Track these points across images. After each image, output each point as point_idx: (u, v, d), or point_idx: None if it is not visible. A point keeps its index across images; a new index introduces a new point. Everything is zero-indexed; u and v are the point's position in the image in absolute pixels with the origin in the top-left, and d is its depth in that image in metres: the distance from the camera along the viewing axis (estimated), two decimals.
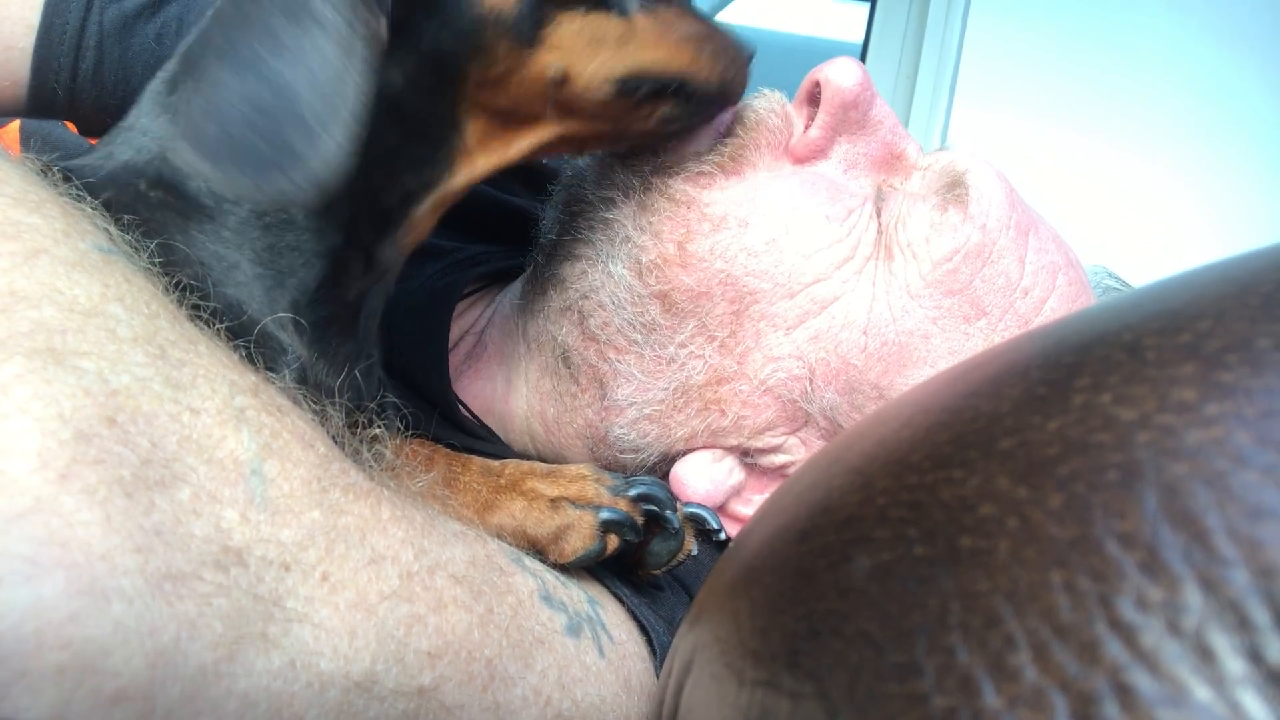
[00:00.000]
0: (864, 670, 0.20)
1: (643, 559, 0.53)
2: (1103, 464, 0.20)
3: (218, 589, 0.31)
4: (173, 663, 0.29)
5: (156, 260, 0.38)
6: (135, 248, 0.37)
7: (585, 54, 0.54)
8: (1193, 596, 0.17)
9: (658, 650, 0.51)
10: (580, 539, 0.49)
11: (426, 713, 0.37)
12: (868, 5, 2.40)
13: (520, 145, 0.57)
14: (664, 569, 0.54)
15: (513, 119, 0.56)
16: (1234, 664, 0.16)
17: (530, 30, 0.52)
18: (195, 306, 0.38)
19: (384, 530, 0.38)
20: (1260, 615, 0.16)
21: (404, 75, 0.50)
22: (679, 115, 0.60)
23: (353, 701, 0.34)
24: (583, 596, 0.49)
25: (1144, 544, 0.18)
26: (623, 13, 0.56)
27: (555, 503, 0.50)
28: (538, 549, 0.49)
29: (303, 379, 0.45)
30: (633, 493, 0.51)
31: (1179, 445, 0.19)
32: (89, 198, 0.37)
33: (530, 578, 0.46)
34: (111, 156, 0.48)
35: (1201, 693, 0.16)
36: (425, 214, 0.55)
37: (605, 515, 0.50)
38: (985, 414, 0.24)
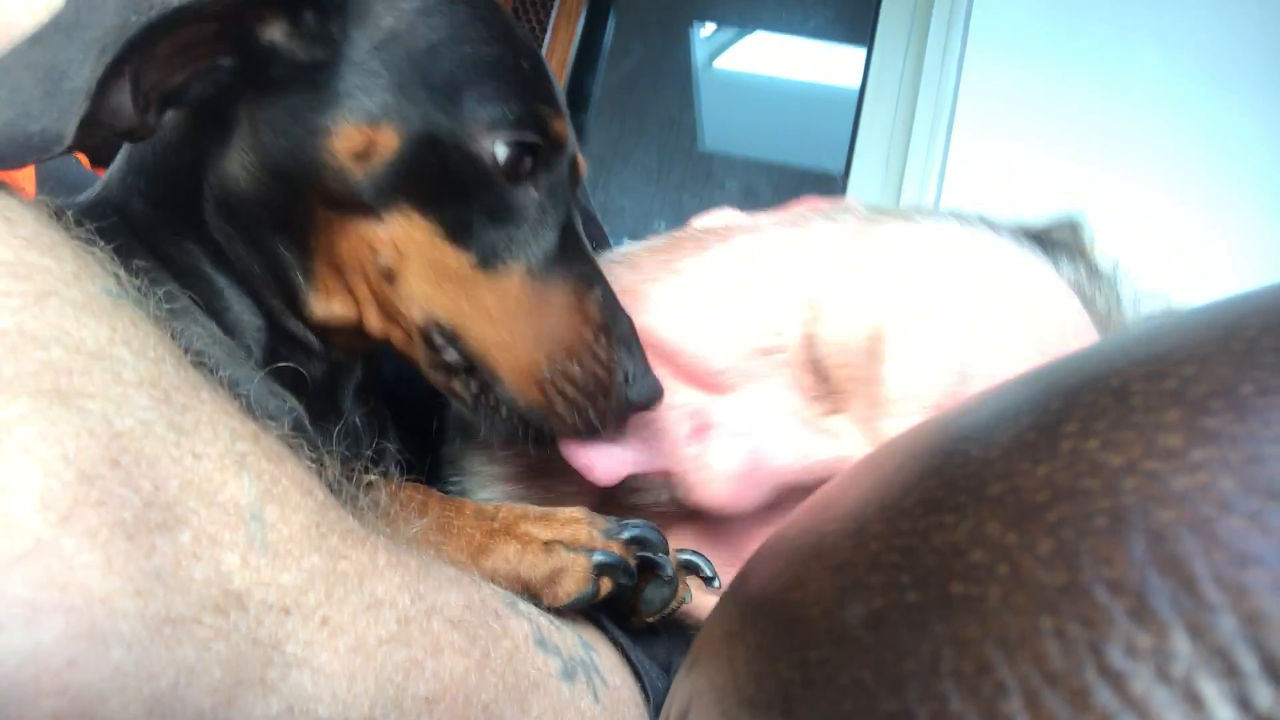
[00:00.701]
0: (857, 718, 0.20)
1: (636, 606, 0.53)
2: (1091, 510, 0.20)
3: (217, 633, 0.31)
4: (170, 709, 0.29)
5: (164, 306, 0.39)
6: (144, 293, 0.38)
7: (420, 269, 0.49)
8: (1181, 643, 0.17)
9: (651, 695, 0.51)
10: (574, 582, 0.49)
11: None
12: (865, 50, 2.44)
13: (363, 315, 0.52)
14: (658, 615, 0.54)
15: (346, 281, 0.51)
16: (1223, 711, 0.16)
17: (374, 201, 0.48)
18: (199, 353, 0.39)
19: (381, 575, 0.38)
20: (1248, 662, 0.16)
21: (249, 164, 0.49)
22: (472, 403, 0.52)
23: None
24: (576, 640, 0.49)
25: (1132, 590, 0.18)
26: (484, 263, 0.49)
27: (549, 546, 0.49)
28: (531, 593, 0.49)
29: (299, 426, 0.45)
30: (626, 535, 0.51)
31: (1166, 491, 0.20)
32: (100, 241, 0.38)
33: (525, 622, 0.45)
34: (88, 197, 0.51)
35: None
36: (335, 331, 0.53)
37: (599, 558, 0.49)
38: (976, 459, 0.25)
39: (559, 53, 3.12)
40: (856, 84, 2.51)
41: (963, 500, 0.23)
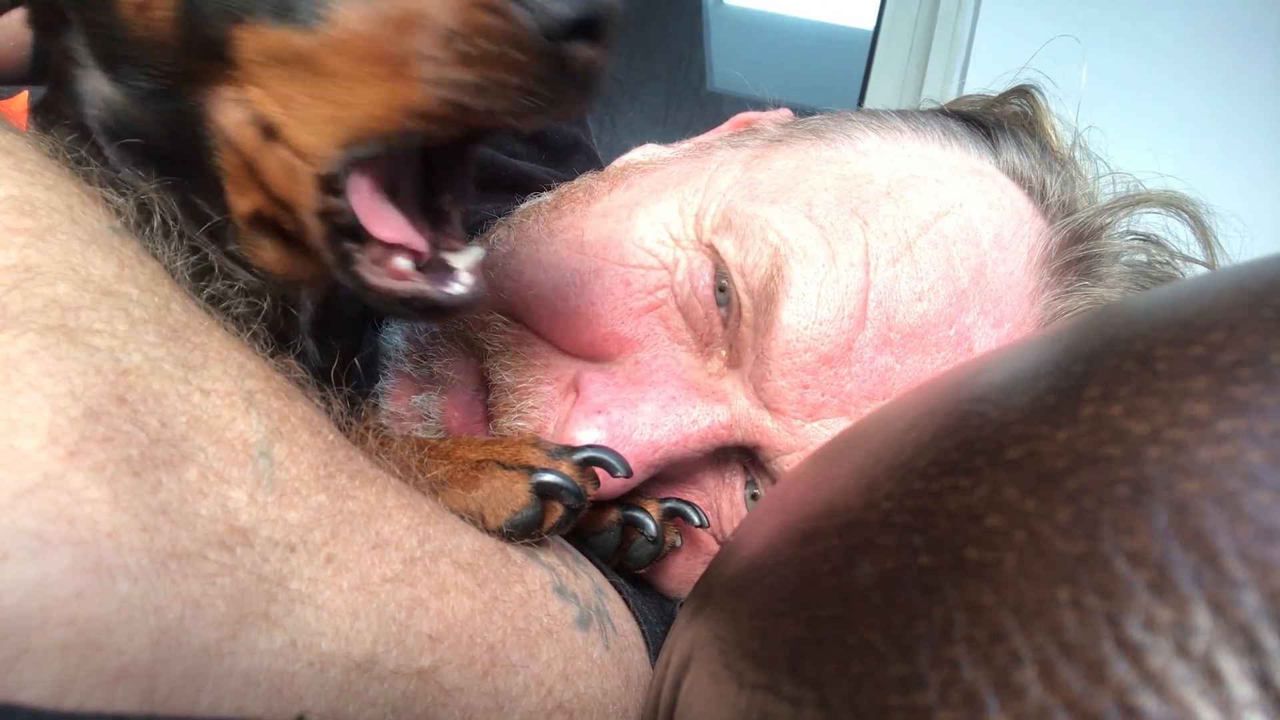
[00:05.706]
0: (866, 681, 0.20)
1: (623, 560, 0.52)
2: (1112, 478, 0.20)
3: (222, 568, 0.31)
4: (176, 641, 0.29)
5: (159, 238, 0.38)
6: (142, 224, 0.37)
7: (288, 92, 0.38)
8: (1202, 618, 0.17)
9: (650, 640, 0.51)
10: (510, 501, 0.43)
11: (425, 694, 0.37)
12: None
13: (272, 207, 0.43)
14: (646, 568, 0.53)
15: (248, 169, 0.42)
16: (1242, 688, 0.16)
17: (212, 46, 0.38)
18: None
19: (389, 516, 0.38)
20: (1270, 639, 0.16)
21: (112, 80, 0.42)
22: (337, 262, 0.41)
23: (353, 681, 0.34)
24: (591, 585, 0.49)
25: (1153, 563, 0.18)
26: (308, 20, 0.37)
27: (480, 465, 0.45)
28: (472, 518, 0.44)
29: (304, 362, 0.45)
30: (578, 456, 0.46)
31: (1190, 462, 0.19)
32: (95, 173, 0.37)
33: (544, 570, 0.45)
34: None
35: (1209, 717, 0.16)
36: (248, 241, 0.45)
37: (544, 478, 0.44)
38: (993, 421, 0.24)
39: None
40: (870, 24, 2.45)
41: (979, 463, 0.23)
